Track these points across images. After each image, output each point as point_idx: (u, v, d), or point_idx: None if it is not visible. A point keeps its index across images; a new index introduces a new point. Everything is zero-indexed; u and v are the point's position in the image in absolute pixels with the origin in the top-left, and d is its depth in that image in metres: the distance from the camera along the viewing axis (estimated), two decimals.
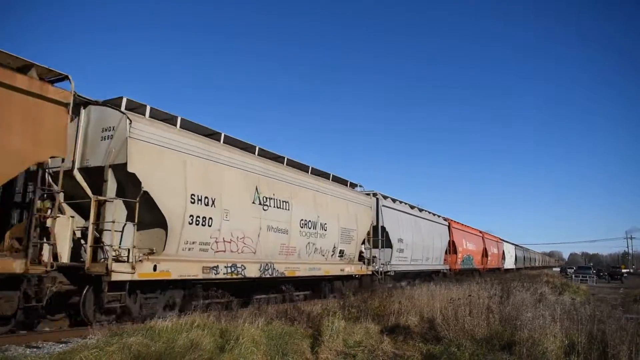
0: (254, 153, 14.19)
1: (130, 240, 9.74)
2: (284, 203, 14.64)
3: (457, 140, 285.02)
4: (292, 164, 16.09)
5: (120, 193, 10.11)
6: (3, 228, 8.71)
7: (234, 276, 12.29)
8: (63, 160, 9.21)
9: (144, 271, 9.85)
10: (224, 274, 11.88)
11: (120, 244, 9.77)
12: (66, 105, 8.91)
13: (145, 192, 9.91)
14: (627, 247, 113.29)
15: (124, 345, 6.36)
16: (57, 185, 8.94)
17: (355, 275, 19.39)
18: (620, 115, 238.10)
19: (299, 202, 15.38)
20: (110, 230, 9.44)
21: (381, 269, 21.10)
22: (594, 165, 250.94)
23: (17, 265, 8.07)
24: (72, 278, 9.29)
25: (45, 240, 8.52)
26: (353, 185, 20.22)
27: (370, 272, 20.08)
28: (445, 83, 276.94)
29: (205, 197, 11.45)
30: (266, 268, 13.58)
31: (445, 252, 31.71)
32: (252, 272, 12.95)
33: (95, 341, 6.79)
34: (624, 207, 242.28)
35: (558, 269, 74.31)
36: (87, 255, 9.33)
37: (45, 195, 8.68)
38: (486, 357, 7.74)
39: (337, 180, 18.90)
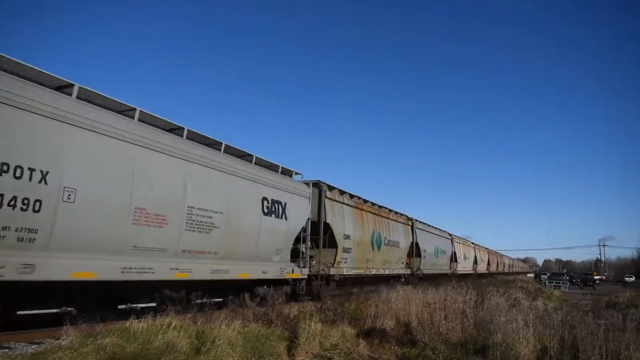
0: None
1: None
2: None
3: (426, 142, 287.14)
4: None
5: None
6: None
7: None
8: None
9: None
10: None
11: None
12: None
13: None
14: (600, 254, 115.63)
15: (99, 346, 6.29)
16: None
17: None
18: (597, 126, 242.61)
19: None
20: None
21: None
22: (571, 174, 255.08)
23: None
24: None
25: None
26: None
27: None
28: (425, 85, 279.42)
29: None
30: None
31: None
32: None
33: (69, 342, 6.71)
34: (599, 215, 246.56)
35: (532, 275, 75.37)
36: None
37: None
38: None
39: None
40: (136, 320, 7.60)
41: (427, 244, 33.21)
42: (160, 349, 6.73)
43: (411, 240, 29.84)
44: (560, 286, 42.94)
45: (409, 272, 28.91)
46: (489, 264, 63.39)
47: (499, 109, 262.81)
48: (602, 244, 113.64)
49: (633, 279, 78.30)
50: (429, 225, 36.05)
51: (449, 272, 38.96)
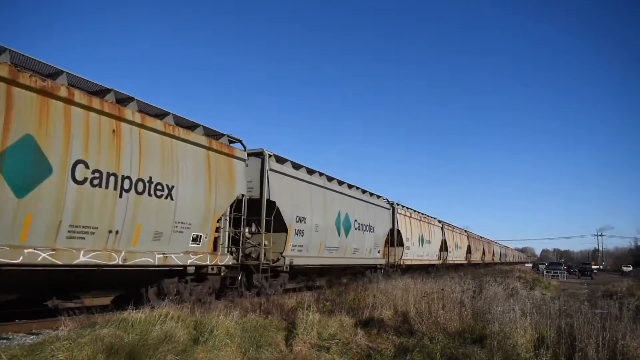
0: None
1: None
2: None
3: (425, 133, 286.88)
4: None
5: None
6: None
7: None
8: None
9: None
10: None
11: None
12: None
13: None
14: (598, 244, 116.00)
15: (97, 336, 6.29)
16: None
17: None
18: (595, 117, 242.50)
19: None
20: None
21: None
22: (570, 163, 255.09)
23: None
24: None
25: None
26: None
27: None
28: (432, 81, 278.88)
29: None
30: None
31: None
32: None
33: (67, 332, 6.71)
34: (597, 205, 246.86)
35: (530, 265, 75.58)
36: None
37: None
38: (458, 350, 7.85)
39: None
40: (134, 311, 7.62)
41: (308, 207, 17.35)
42: (158, 339, 6.74)
43: (239, 192, 13.63)
44: (558, 276, 43.07)
45: (228, 261, 13.11)
46: (469, 252, 48.88)
47: (497, 97, 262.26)
48: (600, 233, 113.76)
49: (630, 268, 78.55)
50: (323, 176, 19.23)
51: (382, 262, 24.97)
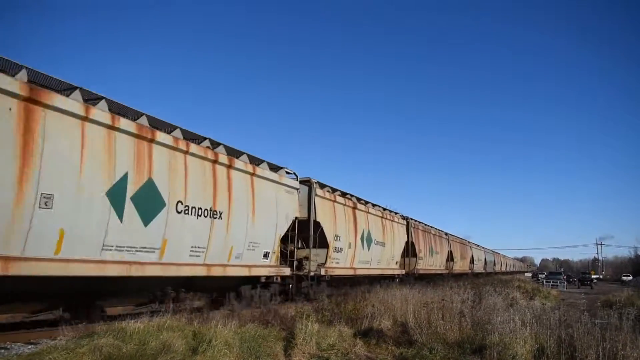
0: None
1: None
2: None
3: (423, 139, 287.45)
4: None
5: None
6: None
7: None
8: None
9: None
10: None
11: None
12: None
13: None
14: (597, 253, 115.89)
15: (95, 346, 6.27)
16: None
17: None
18: (594, 125, 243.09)
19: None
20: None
21: None
22: (570, 173, 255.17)
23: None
24: None
25: None
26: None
27: None
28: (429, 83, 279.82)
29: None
30: None
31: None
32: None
33: (65, 342, 6.68)
34: (596, 214, 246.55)
35: (530, 274, 75.50)
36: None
37: None
38: None
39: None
40: (132, 321, 7.59)
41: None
42: (156, 349, 6.71)
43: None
44: (557, 285, 42.99)
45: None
46: (410, 254, 27.97)
47: (495, 106, 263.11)
48: (599, 243, 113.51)
49: (630, 277, 78.36)
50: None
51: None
